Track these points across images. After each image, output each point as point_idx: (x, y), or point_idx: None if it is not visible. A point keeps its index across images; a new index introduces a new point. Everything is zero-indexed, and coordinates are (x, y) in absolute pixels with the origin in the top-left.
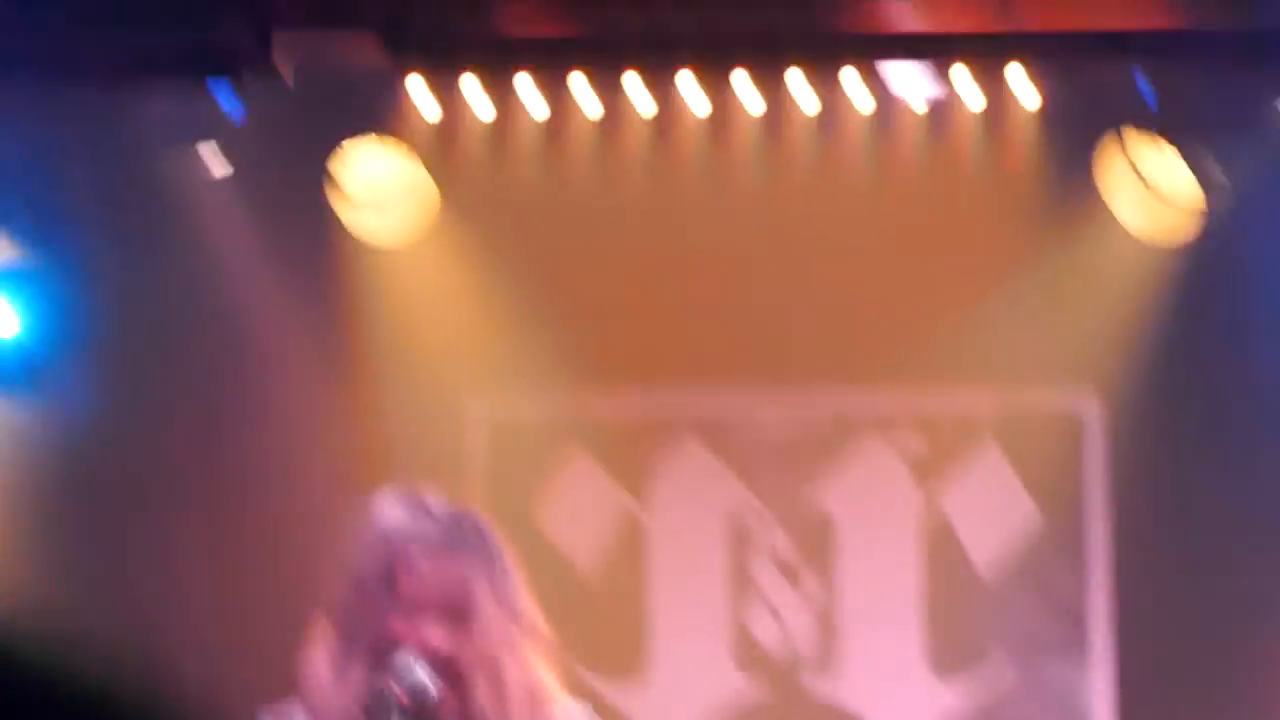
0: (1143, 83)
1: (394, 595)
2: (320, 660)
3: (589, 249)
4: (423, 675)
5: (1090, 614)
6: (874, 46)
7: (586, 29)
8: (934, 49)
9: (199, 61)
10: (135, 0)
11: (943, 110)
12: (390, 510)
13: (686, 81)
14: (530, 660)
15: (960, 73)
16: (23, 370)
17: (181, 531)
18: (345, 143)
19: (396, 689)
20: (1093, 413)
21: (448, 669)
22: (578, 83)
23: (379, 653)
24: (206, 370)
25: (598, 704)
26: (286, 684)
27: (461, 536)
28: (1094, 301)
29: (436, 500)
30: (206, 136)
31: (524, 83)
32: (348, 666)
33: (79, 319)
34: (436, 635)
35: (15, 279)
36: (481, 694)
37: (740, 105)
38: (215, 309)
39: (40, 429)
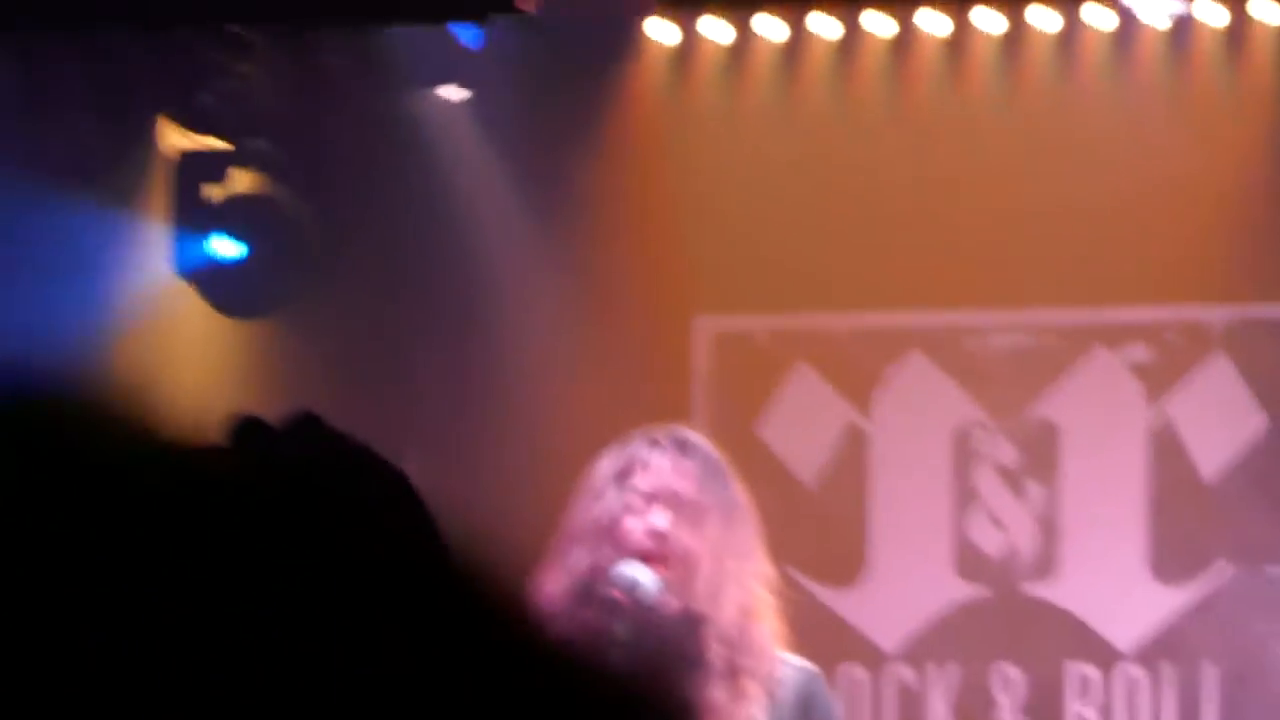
0: None
1: (626, 490)
2: (550, 577)
3: (823, 172)
4: (637, 573)
5: None
6: None
7: None
8: None
9: (449, 2)
10: None
11: (1185, 28)
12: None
13: (924, 10)
14: (751, 585)
15: None
16: (252, 296)
17: (420, 446)
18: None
19: (616, 594)
20: None
21: (668, 551)
22: (813, 12)
23: (604, 551)
24: (445, 289)
25: (819, 611)
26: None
27: (700, 447)
28: None
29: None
30: (452, 71)
31: (760, 11)
32: (574, 579)
33: (318, 244)
34: (663, 519)
35: (258, 205)
36: (699, 585)
37: (978, 26)
38: (455, 232)
39: (277, 354)
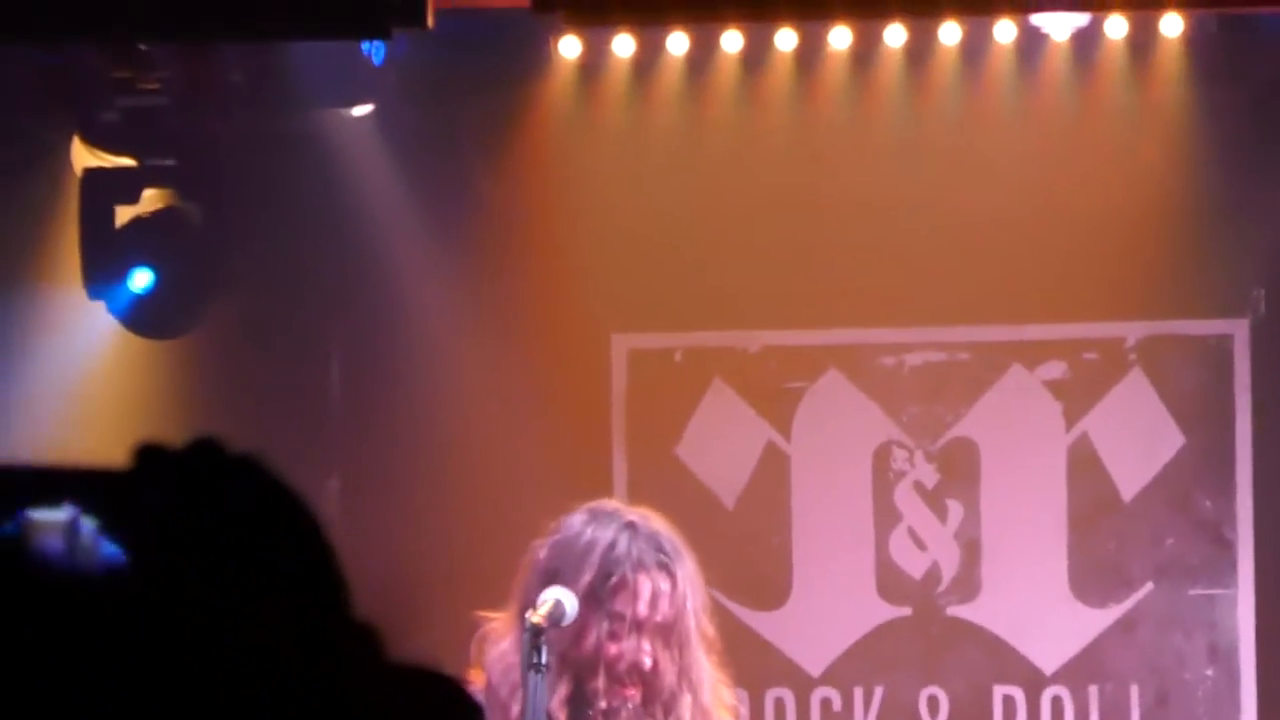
0: None
1: (609, 613)
2: (508, 651)
3: (733, 190)
4: (559, 596)
5: (1236, 537)
6: None
7: None
8: None
9: (353, 18)
10: None
11: (1087, 39)
12: (604, 525)
13: (835, 28)
14: (714, 682)
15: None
16: (165, 318)
17: (328, 479)
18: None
19: (536, 617)
20: (1240, 335)
21: (653, 683)
22: (725, 31)
23: (586, 674)
24: (354, 308)
25: (743, 634)
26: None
27: (674, 558)
28: (1239, 227)
29: (637, 514)
30: (355, 83)
31: (670, 29)
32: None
33: (226, 262)
34: (648, 653)
35: (165, 225)
36: (682, 708)
37: (883, 40)
38: (362, 250)
39: (185, 377)
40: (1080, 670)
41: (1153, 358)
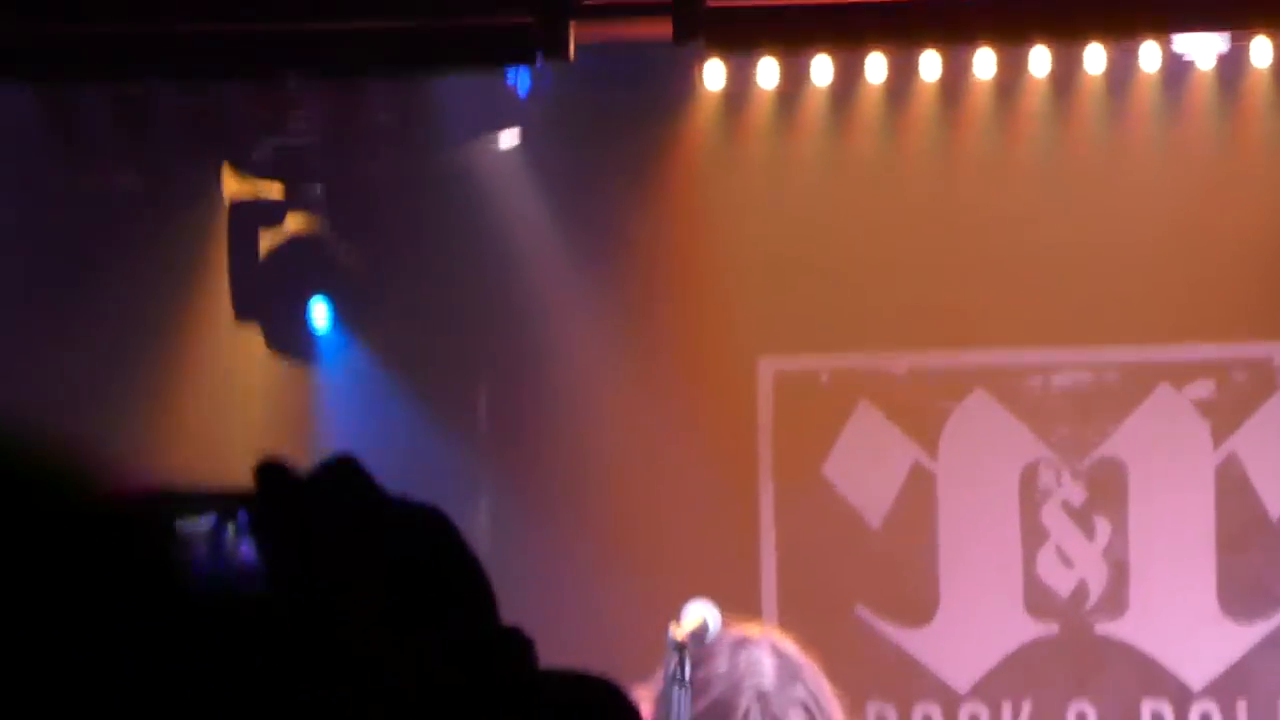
0: None
1: None
2: None
3: (878, 215)
4: (704, 614)
5: None
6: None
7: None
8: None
9: (494, 47)
10: None
11: (1232, 65)
12: (739, 689)
13: (980, 53)
14: None
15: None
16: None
17: (477, 502)
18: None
19: (681, 634)
20: None
21: None
22: (868, 56)
23: None
24: (500, 338)
25: (892, 652)
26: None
27: (817, 702)
28: None
29: (781, 646)
30: (501, 118)
31: (814, 54)
32: None
33: (375, 292)
34: None
35: (311, 253)
36: None
37: (1028, 67)
38: (508, 280)
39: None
40: (1229, 686)
41: None
